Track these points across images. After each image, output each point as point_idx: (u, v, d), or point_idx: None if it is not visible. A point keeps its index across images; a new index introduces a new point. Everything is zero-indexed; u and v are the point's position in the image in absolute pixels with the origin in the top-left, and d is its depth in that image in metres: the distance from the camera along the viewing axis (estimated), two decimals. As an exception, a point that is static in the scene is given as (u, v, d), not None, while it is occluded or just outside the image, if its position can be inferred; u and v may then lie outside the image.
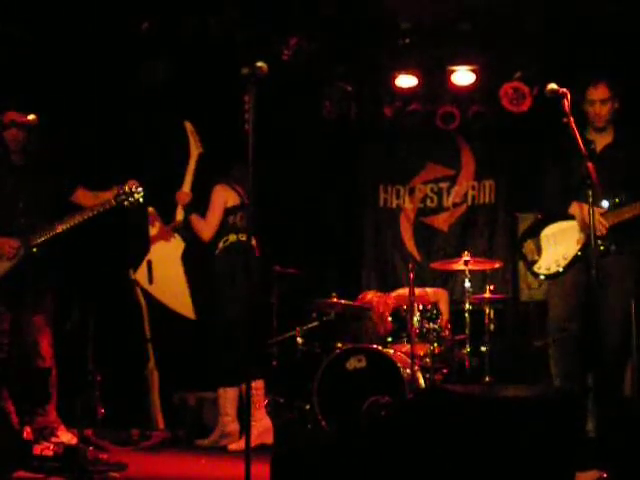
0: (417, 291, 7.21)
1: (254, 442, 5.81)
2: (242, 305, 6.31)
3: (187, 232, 6.85)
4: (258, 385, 6.39)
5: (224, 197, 6.52)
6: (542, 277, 5.60)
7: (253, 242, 6.39)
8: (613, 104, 5.45)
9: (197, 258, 7.07)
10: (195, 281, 7.08)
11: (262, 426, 6.37)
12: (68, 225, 5.65)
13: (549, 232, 5.60)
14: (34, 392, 5.73)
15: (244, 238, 6.46)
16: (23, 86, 6.63)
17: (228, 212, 6.49)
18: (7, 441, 5.04)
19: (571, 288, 5.43)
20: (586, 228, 5.21)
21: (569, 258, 5.43)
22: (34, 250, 5.63)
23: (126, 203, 5.68)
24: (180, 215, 6.72)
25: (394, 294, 7.67)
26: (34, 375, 5.73)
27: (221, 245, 6.52)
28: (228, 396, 6.45)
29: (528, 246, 5.66)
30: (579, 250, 5.38)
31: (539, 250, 5.62)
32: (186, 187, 6.48)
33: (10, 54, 6.81)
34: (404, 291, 7.35)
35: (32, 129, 5.66)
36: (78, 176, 6.07)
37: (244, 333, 6.17)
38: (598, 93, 5.46)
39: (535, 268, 5.59)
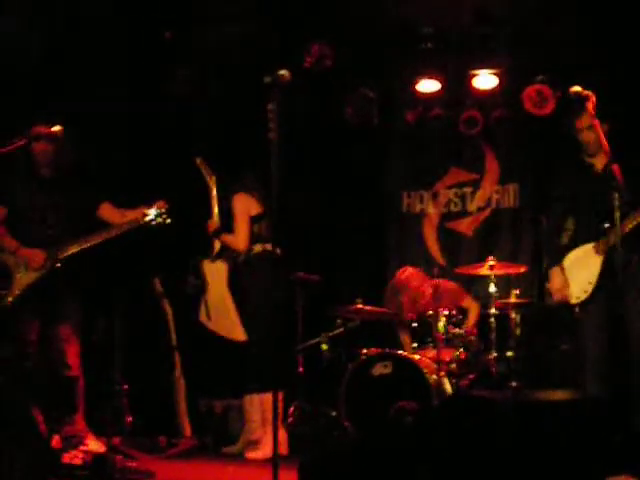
0: (453, 286, 7.26)
1: (270, 453, 5.84)
2: (267, 315, 6.32)
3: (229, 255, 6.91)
4: (268, 397, 6.32)
5: (246, 205, 6.51)
6: (577, 309, 5.65)
7: (278, 251, 6.41)
8: (601, 127, 5.32)
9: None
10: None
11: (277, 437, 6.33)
12: (94, 242, 5.71)
13: (572, 259, 5.68)
14: (61, 401, 5.78)
15: (269, 248, 6.47)
16: (51, 99, 6.69)
17: (253, 221, 6.49)
18: (36, 450, 5.06)
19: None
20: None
21: (594, 282, 5.49)
22: (59, 265, 5.68)
23: (153, 223, 5.72)
24: (218, 244, 6.79)
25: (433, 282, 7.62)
26: (61, 384, 5.77)
27: (242, 257, 6.53)
28: (253, 403, 6.46)
29: (557, 276, 5.71)
30: (601, 272, 5.45)
31: (565, 280, 5.68)
32: (215, 216, 6.53)
33: (39, 66, 6.88)
34: (439, 282, 7.33)
35: (60, 142, 5.71)
36: (105, 191, 6.12)
37: (269, 342, 6.19)
38: (582, 122, 5.53)
39: (569, 297, 5.64)
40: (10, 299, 5.63)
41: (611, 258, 5.34)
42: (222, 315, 6.92)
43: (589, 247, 5.57)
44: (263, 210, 6.52)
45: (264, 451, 6.17)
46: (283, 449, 6.28)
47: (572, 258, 5.68)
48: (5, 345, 5.68)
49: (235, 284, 6.76)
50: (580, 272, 5.60)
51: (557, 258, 5.73)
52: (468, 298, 7.56)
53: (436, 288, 7.13)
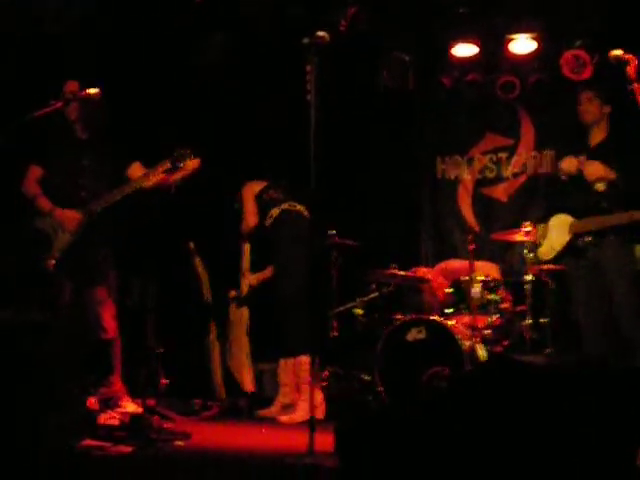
0: (459, 264, 7.25)
1: (304, 417, 5.86)
2: (297, 277, 6.35)
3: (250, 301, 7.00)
4: (303, 360, 6.37)
5: (251, 188, 6.78)
6: (540, 262, 6.25)
7: (304, 211, 6.45)
8: (601, 105, 5.77)
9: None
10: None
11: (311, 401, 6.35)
12: (126, 192, 5.70)
13: (556, 221, 5.93)
14: (98, 363, 5.82)
15: (294, 207, 6.53)
16: (84, 63, 6.70)
17: (258, 197, 6.71)
18: (71, 411, 5.11)
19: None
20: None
21: (555, 251, 5.90)
22: (95, 218, 5.69)
23: (181, 164, 5.65)
24: (246, 286, 6.87)
25: (437, 268, 7.66)
26: (97, 347, 5.81)
27: (268, 222, 6.60)
28: (287, 367, 6.49)
29: (539, 230, 6.10)
30: (565, 246, 5.83)
31: (544, 236, 6.02)
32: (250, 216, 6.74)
33: (73, 29, 6.89)
34: (446, 264, 7.37)
35: (95, 104, 5.71)
36: (136, 151, 6.13)
37: (300, 305, 6.21)
38: (584, 95, 5.84)
39: (538, 252, 6.10)
40: (52, 262, 5.66)
41: (575, 241, 5.78)
42: (237, 359, 7.00)
43: (570, 220, 5.82)
44: (266, 184, 6.71)
45: (300, 414, 6.20)
46: (320, 413, 6.30)
47: (556, 220, 5.93)
48: (37, 309, 5.73)
49: (266, 241, 6.84)
50: (553, 236, 5.95)
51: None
52: (481, 264, 7.50)
53: (442, 271, 7.19)
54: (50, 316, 5.70)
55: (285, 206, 6.68)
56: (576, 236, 5.78)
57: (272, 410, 6.60)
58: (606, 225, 5.66)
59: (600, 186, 5.66)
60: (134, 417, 5.10)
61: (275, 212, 6.68)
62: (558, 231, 5.92)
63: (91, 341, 5.81)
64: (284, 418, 6.33)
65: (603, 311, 5.78)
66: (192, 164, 5.68)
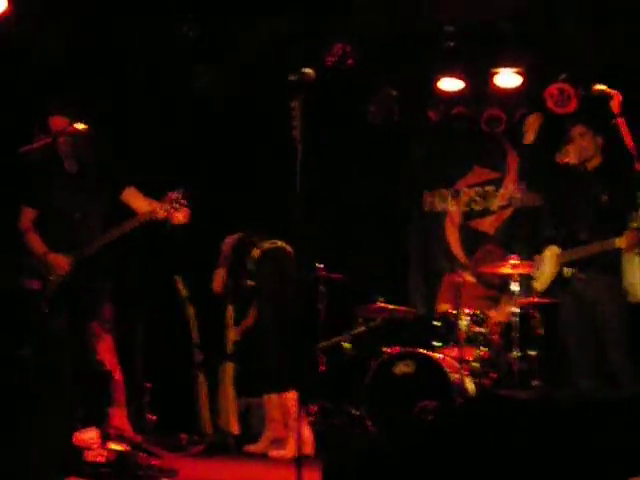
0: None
1: (294, 453, 5.82)
2: (282, 312, 6.34)
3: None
4: (290, 396, 6.35)
5: (227, 244, 6.84)
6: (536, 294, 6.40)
7: (286, 246, 6.47)
8: (594, 138, 5.72)
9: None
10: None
11: (301, 437, 6.30)
12: (116, 234, 5.67)
13: (548, 253, 5.99)
14: (96, 396, 5.75)
15: (274, 244, 6.54)
16: (69, 89, 6.69)
17: (235, 249, 6.78)
18: (56, 448, 5.07)
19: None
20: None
21: (547, 283, 5.98)
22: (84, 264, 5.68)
23: (173, 211, 5.61)
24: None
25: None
26: (91, 380, 5.74)
27: (249, 264, 6.61)
28: (274, 402, 6.46)
29: (535, 261, 6.15)
30: (553, 277, 5.91)
31: (538, 267, 6.09)
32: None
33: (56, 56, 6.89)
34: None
35: (84, 137, 5.70)
36: (128, 177, 6.09)
37: (285, 340, 6.20)
38: (576, 130, 5.76)
39: (534, 283, 6.15)
40: (44, 303, 5.66)
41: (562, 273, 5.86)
42: (224, 410, 7.01)
43: (557, 251, 5.91)
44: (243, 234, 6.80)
45: (291, 449, 6.16)
46: (309, 449, 6.27)
47: (549, 252, 5.99)
48: (27, 343, 5.70)
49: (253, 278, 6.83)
50: (546, 268, 6.00)
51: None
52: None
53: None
54: (37, 350, 5.69)
55: (266, 245, 6.67)
56: (563, 268, 5.83)
57: (259, 446, 6.56)
58: (583, 255, 5.73)
59: None
60: (120, 454, 5.05)
61: (256, 253, 6.66)
62: (550, 262, 5.98)
63: (89, 374, 5.75)
64: (274, 453, 6.29)
65: (592, 343, 5.79)
66: (184, 213, 5.68)
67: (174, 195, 5.58)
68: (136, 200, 5.87)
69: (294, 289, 6.35)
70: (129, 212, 5.83)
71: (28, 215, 5.86)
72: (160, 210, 5.60)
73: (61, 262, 5.67)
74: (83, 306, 5.75)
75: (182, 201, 5.58)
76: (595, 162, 5.80)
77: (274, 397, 6.47)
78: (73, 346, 5.72)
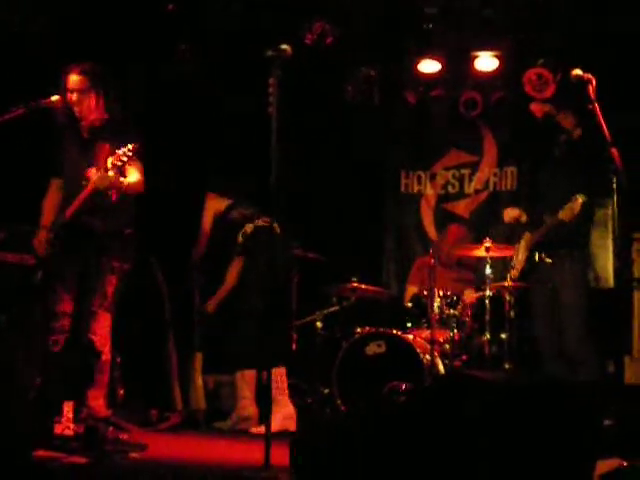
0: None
1: (276, 427, 5.83)
2: (263, 289, 6.33)
3: None
4: (280, 371, 6.39)
5: (213, 207, 6.84)
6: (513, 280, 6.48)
7: (276, 226, 6.42)
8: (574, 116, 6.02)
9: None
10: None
11: (286, 412, 6.37)
12: (79, 204, 5.37)
13: (523, 241, 6.24)
14: (81, 375, 5.65)
15: (266, 223, 6.50)
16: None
17: (222, 216, 6.75)
18: (26, 420, 5.05)
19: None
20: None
21: (517, 272, 6.28)
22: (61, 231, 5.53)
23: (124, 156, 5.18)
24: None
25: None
26: (76, 357, 5.65)
27: (241, 238, 6.60)
28: (246, 379, 6.46)
29: (515, 250, 6.38)
30: (524, 261, 6.18)
31: (516, 254, 6.33)
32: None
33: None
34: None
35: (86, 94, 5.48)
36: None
37: (264, 317, 6.18)
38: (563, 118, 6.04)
39: (511, 269, 6.41)
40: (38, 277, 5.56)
41: (532, 257, 6.09)
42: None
43: (529, 237, 6.16)
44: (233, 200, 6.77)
45: (275, 425, 6.06)
46: (292, 424, 6.33)
47: (524, 238, 6.22)
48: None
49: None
50: (520, 254, 6.25)
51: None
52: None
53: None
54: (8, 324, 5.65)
55: (259, 222, 6.64)
56: (531, 252, 5.93)
57: (228, 423, 6.57)
58: (541, 235, 5.98)
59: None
60: (89, 428, 5.04)
61: (249, 228, 6.64)
62: (523, 248, 6.19)
63: (74, 351, 5.66)
64: (255, 430, 6.26)
65: (556, 326, 5.90)
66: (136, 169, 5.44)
67: (121, 150, 5.19)
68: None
69: (281, 268, 6.35)
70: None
71: (53, 184, 5.70)
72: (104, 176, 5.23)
73: (37, 240, 5.54)
74: (78, 280, 5.59)
75: (130, 155, 5.21)
76: (577, 132, 5.98)
77: (246, 374, 6.47)
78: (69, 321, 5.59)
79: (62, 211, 5.54)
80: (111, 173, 5.22)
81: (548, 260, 5.93)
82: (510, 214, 6.40)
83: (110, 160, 5.20)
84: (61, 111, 5.56)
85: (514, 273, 6.33)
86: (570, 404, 3.90)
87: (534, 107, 6.46)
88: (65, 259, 5.56)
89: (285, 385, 6.47)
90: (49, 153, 5.77)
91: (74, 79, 5.51)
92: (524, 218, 6.28)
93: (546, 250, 6.01)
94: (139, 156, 5.39)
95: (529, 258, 6.06)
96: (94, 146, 5.53)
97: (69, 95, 5.51)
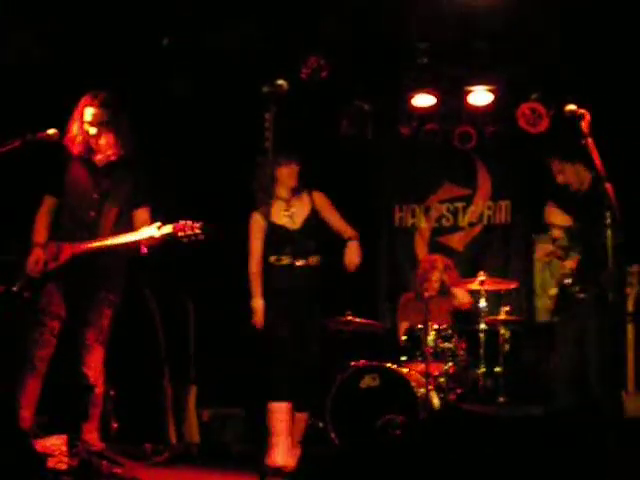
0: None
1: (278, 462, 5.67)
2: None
3: None
4: (303, 417, 6.00)
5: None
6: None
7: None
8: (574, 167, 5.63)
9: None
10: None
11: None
12: (105, 245, 5.31)
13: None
14: (74, 408, 5.59)
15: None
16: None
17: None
18: (19, 454, 5.02)
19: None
20: None
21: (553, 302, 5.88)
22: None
23: (185, 240, 5.17)
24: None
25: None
26: (72, 391, 5.60)
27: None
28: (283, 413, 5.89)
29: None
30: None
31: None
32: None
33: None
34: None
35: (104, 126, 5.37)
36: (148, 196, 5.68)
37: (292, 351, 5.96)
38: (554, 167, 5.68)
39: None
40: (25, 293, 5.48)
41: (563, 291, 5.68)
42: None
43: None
44: None
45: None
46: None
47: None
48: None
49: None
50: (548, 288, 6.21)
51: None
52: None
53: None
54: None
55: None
56: (562, 287, 5.74)
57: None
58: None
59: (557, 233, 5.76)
60: (82, 461, 5.02)
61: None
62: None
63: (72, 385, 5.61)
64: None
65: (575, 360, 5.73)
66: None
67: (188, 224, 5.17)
68: (144, 223, 5.40)
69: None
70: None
71: (48, 202, 5.55)
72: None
73: (32, 261, 5.37)
74: (76, 311, 5.49)
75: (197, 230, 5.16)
76: (587, 185, 5.68)
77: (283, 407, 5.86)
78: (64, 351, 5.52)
79: (56, 233, 5.46)
80: (161, 233, 5.19)
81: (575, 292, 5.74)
82: (543, 249, 6.03)
83: (174, 226, 5.16)
84: (66, 144, 5.51)
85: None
86: (567, 434, 3.90)
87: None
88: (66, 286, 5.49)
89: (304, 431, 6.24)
90: (42, 169, 5.65)
91: (93, 112, 5.39)
92: (559, 253, 6.05)
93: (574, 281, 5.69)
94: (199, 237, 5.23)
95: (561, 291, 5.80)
96: (108, 177, 5.46)
97: (85, 126, 5.40)
